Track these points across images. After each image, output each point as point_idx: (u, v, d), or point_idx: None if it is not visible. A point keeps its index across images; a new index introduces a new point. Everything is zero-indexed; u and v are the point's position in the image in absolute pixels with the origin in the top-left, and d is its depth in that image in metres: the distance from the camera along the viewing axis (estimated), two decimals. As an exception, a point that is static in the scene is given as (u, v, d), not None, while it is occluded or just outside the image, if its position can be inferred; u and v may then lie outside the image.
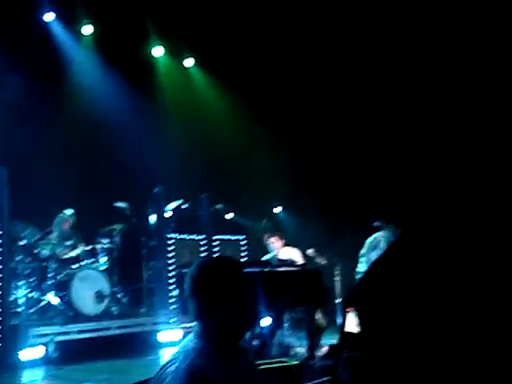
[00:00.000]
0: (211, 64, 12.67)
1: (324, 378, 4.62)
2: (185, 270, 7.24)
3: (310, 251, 9.80)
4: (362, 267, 9.02)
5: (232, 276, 2.25)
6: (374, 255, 8.75)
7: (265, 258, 9.07)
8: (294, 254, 8.91)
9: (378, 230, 9.05)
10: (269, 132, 12.03)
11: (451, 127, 8.91)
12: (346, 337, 3.15)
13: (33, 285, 8.84)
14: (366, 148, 11.21)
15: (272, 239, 9.10)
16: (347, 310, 3.01)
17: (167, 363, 2.21)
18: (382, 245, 8.91)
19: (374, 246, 9.02)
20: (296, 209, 12.31)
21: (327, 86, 11.60)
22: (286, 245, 9.12)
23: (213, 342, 2.17)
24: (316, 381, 4.50)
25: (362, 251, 9.13)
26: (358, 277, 9.11)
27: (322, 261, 9.94)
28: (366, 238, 9.16)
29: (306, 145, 12.04)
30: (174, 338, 8.94)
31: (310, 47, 11.52)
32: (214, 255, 10.22)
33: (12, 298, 8.38)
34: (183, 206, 10.40)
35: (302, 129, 12.02)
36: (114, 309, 9.08)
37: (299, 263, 8.46)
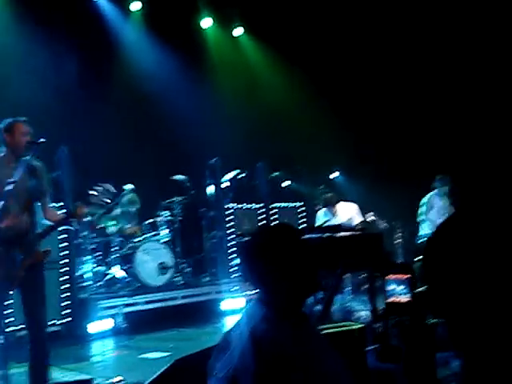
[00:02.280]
0: (261, 32, 12.57)
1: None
2: (244, 239, 7.30)
3: (369, 215, 9.71)
4: (424, 229, 8.89)
5: (291, 242, 2.25)
6: (434, 214, 8.61)
7: (322, 222, 8.99)
8: (351, 211, 8.79)
9: (429, 191, 8.92)
10: (324, 98, 11.90)
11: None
12: (391, 306, 3.14)
13: (98, 259, 9.13)
14: (419, 108, 11.00)
15: (327, 195, 8.97)
16: (388, 277, 2.99)
17: (231, 329, 2.25)
18: (437, 203, 8.75)
19: (430, 206, 8.87)
20: (353, 174, 12.21)
21: (383, 48, 11.39)
22: (344, 200, 8.98)
23: (275, 308, 2.19)
24: (382, 345, 4.50)
25: (420, 213, 9.00)
26: (420, 240, 8.99)
27: (382, 224, 9.85)
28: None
29: (360, 109, 11.88)
30: (236, 306, 9.08)
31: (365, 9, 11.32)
32: (273, 223, 10.27)
33: (79, 272, 8.67)
34: (240, 176, 10.45)
35: (358, 94, 11.85)
36: (177, 279, 9.26)
37: (358, 224, 8.36)
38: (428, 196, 9.04)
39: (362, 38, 11.57)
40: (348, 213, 8.76)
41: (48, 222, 4.69)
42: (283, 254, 2.20)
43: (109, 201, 4.98)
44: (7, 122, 4.57)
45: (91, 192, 4.81)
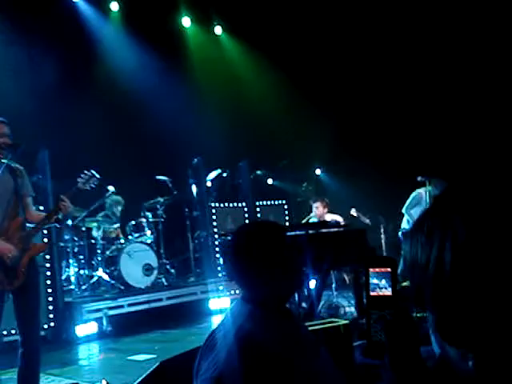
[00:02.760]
0: (240, 30, 12.57)
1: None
2: (228, 238, 7.31)
3: (352, 211, 9.76)
4: (404, 224, 8.92)
5: (274, 239, 2.24)
6: (417, 211, 8.62)
7: (307, 220, 9.06)
8: (337, 219, 8.91)
9: (420, 185, 8.90)
10: (305, 94, 11.91)
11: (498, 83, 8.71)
12: (373, 300, 3.14)
13: (83, 262, 9.06)
14: (405, 103, 11.03)
15: (317, 203, 9.10)
16: (370, 270, 2.99)
17: (216, 329, 2.23)
18: (426, 200, 8.76)
19: (416, 201, 8.88)
20: (337, 170, 12.24)
21: (363, 41, 11.41)
22: (330, 212, 9.12)
23: (259, 306, 2.18)
24: (366, 341, 4.51)
25: (404, 207, 9.03)
26: (401, 234, 9.02)
27: (365, 220, 9.90)
28: (409, 195, 9.05)
29: (342, 104, 11.90)
30: (223, 306, 9.07)
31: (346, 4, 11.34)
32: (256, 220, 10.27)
33: (64, 276, 8.60)
34: (223, 175, 10.44)
35: (339, 88, 11.87)
36: (163, 280, 9.24)
37: (342, 223, 8.44)
38: (418, 190, 9.00)
39: (344, 31, 11.57)
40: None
41: (31, 224, 4.65)
42: (266, 251, 2.19)
43: (94, 186, 4.99)
44: None
45: (78, 179, 4.81)
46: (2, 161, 4.43)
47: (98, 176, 4.98)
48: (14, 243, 4.37)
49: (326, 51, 11.79)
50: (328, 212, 9.15)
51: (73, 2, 11.04)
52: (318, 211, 9.07)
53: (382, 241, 10.08)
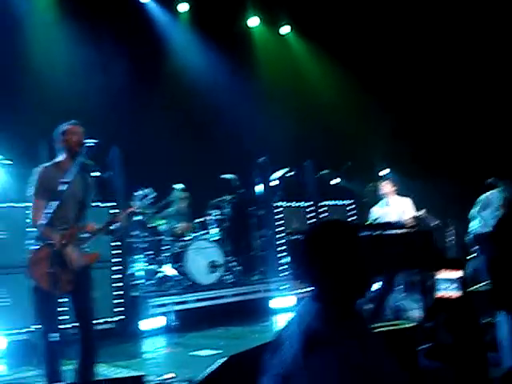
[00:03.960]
0: (308, 30, 12.53)
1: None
2: (294, 237, 7.31)
3: (421, 212, 9.56)
4: (474, 226, 8.69)
5: (347, 238, 2.23)
6: (488, 213, 8.38)
7: (373, 217, 8.87)
8: (405, 205, 8.70)
9: (489, 188, 8.66)
10: (373, 94, 11.77)
11: None
12: (440, 302, 3.07)
13: (150, 258, 9.25)
14: (474, 105, 10.76)
15: (383, 182, 8.92)
16: (438, 272, 2.92)
17: (284, 328, 2.24)
18: (496, 203, 8.51)
19: (486, 204, 8.64)
20: (404, 171, 12.03)
21: (434, 43, 11.20)
22: (398, 194, 8.91)
23: (328, 306, 2.17)
24: (432, 343, 4.42)
25: (474, 210, 8.79)
26: (469, 236, 8.79)
27: (434, 222, 9.68)
28: (477, 198, 8.81)
29: (411, 106, 11.70)
30: (286, 305, 9.08)
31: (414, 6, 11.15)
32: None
33: (131, 271, 8.81)
34: (288, 174, 10.43)
35: (408, 89, 11.67)
36: (227, 277, 9.32)
37: (409, 219, 8.27)
38: (487, 194, 8.79)
39: (411, 33, 11.38)
40: (401, 206, 8.67)
41: (85, 234, 4.81)
42: (339, 251, 2.18)
43: (149, 203, 5.10)
44: (61, 126, 4.72)
45: (133, 199, 4.96)
46: (78, 160, 4.59)
47: (152, 194, 5.11)
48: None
49: (393, 50, 11.62)
50: (396, 194, 8.91)
51: (142, 3, 11.28)
52: (386, 189, 8.84)
53: (451, 243, 9.84)
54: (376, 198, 9.16)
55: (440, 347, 2.98)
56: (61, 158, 4.72)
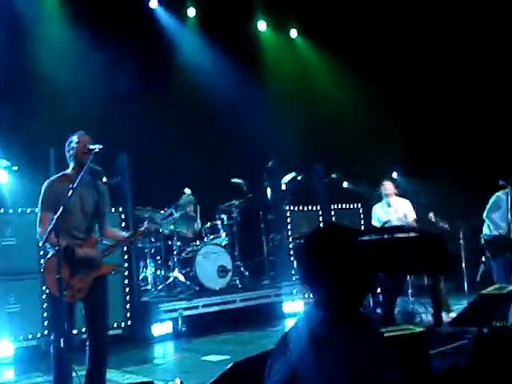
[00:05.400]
0: (316, 33, 12.51)
1: (450, 346, 4.48)
2: (300, 241, 7.28)
3: (430, 215, 9.50)
4: (486, 229, 8.60)
5: (345, 242, 2.21)
6: (498, 215, 8.27)
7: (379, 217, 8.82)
8: (405, 206, 8.66)
9: (499, 189, 8.56)
10: (381, 97, 11.74)
11: None
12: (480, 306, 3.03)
13: (159, 263, 9.26)
14: (485, 107, 10.71)
15: (386, 182, 8.88)
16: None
17: (289, 332, 2.23)
18: (507, 204, 8.41)
19: (496, 206, 8.52)
20: (414, 173, 11.98)
21: (447, 46, 11.16)
22: (398, 195, 8.87)
23: (332, 310, 2.16)
24: (442, 348, 4.38)
25: (485, 212, 8.71)
26: (483, 239, 8.71)
27: (444, 225, 9.62)
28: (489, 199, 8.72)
29: (420, 107, 11.66)
30: (296, 309, 9.04)
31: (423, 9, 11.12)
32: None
33: (141, 276, 8.81)
34: (298, 178, 10.40)
35: (417, 91, 11.64)
36: (237, 282, 9.30)
37: (413, 221, 8.25)
38: (497, 194, 8.64)
39: (422, 35, 11.34)
40: (403, 208, 8.64)
41: (108, 241, 4.83)
42: (337, 255, 2.16)
43: (157, 226, 5.19)
44: (70, 138, 4.76)
45: (140, 227, 5.00)
46: (86, 164, 4.59)
47: (158, 217, 5.21)
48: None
49: (401, 53, 11.59)
50: (396, 195, 8.88)
51: (151, 9, 11.33)
52: (388, 189, 8.81)
53: (462, 247, 9.79)
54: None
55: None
56: (69, 169, 4.74)
